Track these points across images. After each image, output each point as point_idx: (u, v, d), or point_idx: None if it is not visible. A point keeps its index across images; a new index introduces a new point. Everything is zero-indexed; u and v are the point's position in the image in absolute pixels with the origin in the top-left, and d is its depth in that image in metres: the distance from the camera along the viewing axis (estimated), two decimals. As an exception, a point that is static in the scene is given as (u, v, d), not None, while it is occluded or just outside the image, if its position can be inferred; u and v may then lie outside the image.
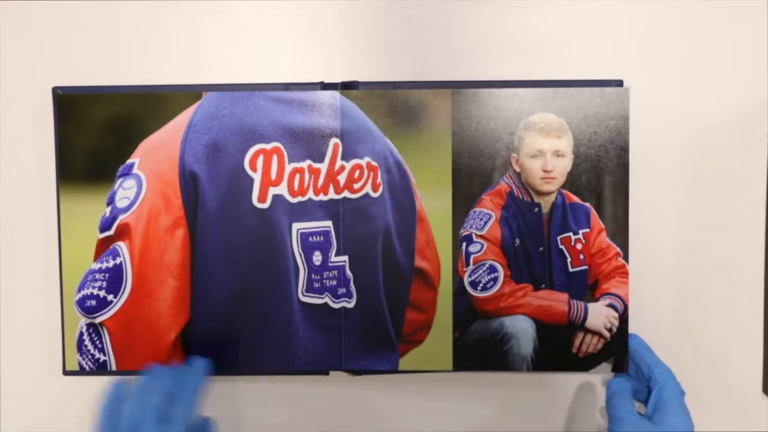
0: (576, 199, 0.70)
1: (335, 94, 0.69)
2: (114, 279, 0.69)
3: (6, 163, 0.71)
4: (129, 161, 0.69)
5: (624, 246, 0.70)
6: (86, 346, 0.70)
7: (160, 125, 0.69)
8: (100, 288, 0.69)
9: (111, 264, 0.69)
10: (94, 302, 0.69)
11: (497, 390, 0.74)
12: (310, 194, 0.69)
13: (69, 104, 0.70)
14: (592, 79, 0.71)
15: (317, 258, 0.70)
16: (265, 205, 0.69)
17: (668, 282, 0.73)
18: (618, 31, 0.72)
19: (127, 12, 0.71)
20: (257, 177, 0.69)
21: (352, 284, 0.70)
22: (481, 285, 0.70)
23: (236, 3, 0.71)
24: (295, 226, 0.69)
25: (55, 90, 0.70)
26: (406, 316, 0.71)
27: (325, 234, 0.70)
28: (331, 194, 0.69)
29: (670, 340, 0.74)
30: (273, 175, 0.69)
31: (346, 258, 0.70)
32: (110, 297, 0.69)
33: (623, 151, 0.69)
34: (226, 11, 0.71)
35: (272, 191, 0.69)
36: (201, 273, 0.69)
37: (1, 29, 0.71)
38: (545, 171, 0.69)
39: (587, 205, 0.70)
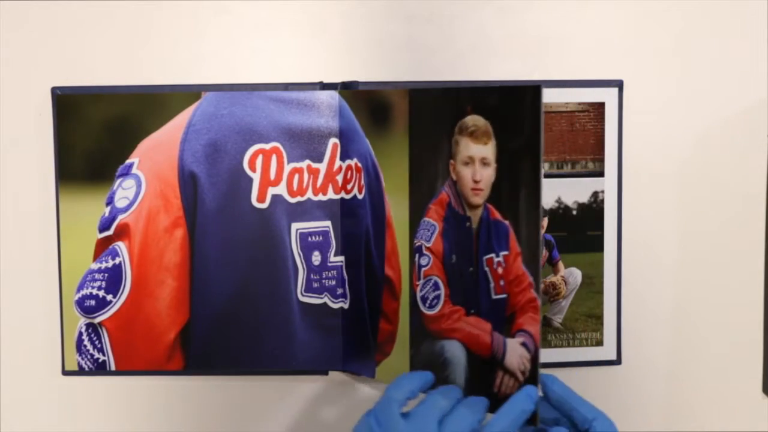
0: (498, 215, 0.62)
1: (334, 94, 0.69)
2: (113, 279, 0.69)
3: (5, 163, 0.72)
4: (128, 161, 0.69)
5: (535, 275, 0.60)
6: (85, 346, 0.70)
7: (160, 125, 0.69)
8: (99, 288, 0.69)
9: (110, 264, 0.69)
10: (93, 302, 0.69)
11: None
12: (309, 194, 0.69)
13: (68, 104, 0.70)
14: (593, 79, 0.71)
15: (316, 258, 0.69)
16: (265, 205, 0.69)
17: (668, 282, 0.73)
18: (618, 31, 0.72)
19: (127, 12, 0.71)
20: (256, 177, 0.69)
21: (347, 285, 0.70)
22: (428, 302, 0.65)
23: (236, 3, 0.71)
24: (294, 226, 0.69)
25: (54, 90, 0.70)
26: (379, 324, 0.69)
27: (324, 234, 0.69)
28: (330, 194, 0.69)
29: (669, 340, 0.74)
30: (272, 175, 0.69)
31: (343, 258, 0.70)
32: (109, 297, 0.69)
33: (535, 159, 0.58)
34: (225, 11, 0.71)
35: (271, 191, 0.69)
36: (200, 273, 0.69)
37: (1, 29, 0.71)
38: (474, 181, 0.62)
39: (507, 223, 0.61)
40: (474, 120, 0.61)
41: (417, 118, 0.65)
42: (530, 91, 0.58)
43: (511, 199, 0.60)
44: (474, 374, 0.62)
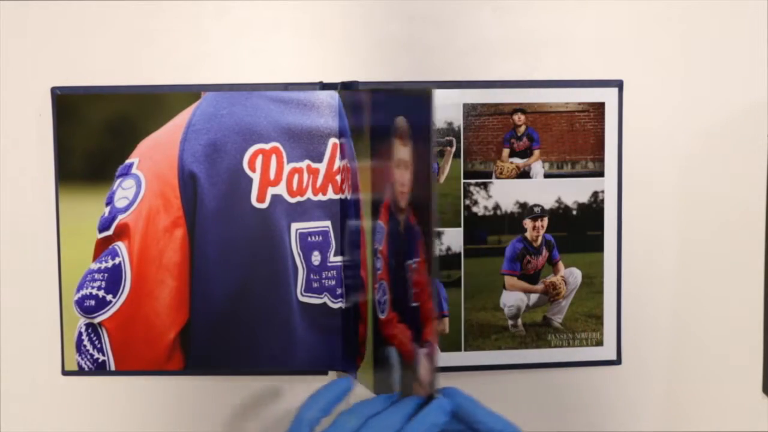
0: (413, 220, 0.58)
1: (333, 94, 0.69)
2: (113, 279, 0.69)
3: (5, 163, 0.72)
4: (128, 161, 0.69)
5: (432, 283, 0.56)
6: (85, 346, 0.70)
7: (159, 125, 0.69)
8: (99, 288, 0.69)
9: (110, 264, 0.69)
10: (93, 302, 0.69)
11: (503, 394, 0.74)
12: (309, 194, 0.69)
13: (68, 104, 0.70)
14: (593, 79, 0.71)
15: (316, 258, 0.70)
16: (264, 205, 0.69)
17: (668, 282, 0.73)
18: (618, 31, 0.72)
19: (127, 12, 0.71)
20: (256, 177, 0.69)
21: (344, 285, 0.70)
22: (380, 306, 0.63)
23: (236, 3, 0.71)
24: (294, 226, 0.69)
25: (54, 90, 0.70)
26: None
27: (324, 234, 0.70)
28: (330, 194, 0.69)
29: (670, 340, 0.74)
30: (272, 175, 0.69)
31: (342, 258, 0.70)
32: (109, 297, 0.69)
33: (426, 164, 0.55)
34: (225, 11, 0.71)
35: (271, 191, 0.69)
36: (200, 273, 0.69)
37: (1, 29, 0.71)
38: (401, 184, 0.59)
39: (417, 228, 0.57)
40: (401, 122, 0.59)
41: (375, 119, 0.64)
42: (422, 95, 0.55)
43: (419, 204, 0.57)
44: (404, 383, 0.59)
